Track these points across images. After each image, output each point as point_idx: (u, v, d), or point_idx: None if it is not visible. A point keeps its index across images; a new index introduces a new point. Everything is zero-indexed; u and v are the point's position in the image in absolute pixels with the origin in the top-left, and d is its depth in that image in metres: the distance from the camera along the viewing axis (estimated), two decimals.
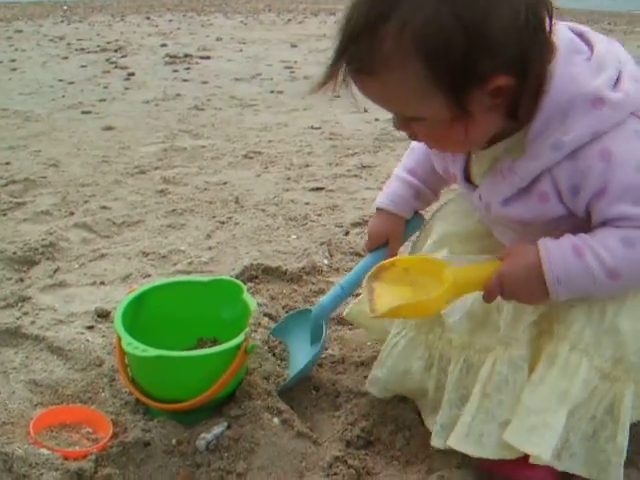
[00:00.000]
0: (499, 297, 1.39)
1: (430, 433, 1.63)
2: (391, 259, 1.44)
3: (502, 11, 1.15)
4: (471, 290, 1.39)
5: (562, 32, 1.30)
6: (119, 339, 1.69)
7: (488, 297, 1.37)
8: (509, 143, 1.37)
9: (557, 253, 1.31)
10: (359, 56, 1.23)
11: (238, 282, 1.93)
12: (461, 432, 1.47)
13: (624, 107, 1.26)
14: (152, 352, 1.61)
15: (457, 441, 1.47)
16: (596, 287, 1.31)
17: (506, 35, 1.16)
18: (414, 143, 1.79)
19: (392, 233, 1.83)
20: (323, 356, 2.00)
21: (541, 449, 1.36)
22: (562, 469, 1.43)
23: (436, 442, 1.56)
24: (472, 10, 1.14)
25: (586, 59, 1.30)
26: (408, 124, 1.33)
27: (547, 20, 1.22)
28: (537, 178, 1.32)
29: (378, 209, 1.84)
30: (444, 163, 1.57)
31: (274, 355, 1.93)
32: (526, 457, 1.40)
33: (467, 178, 1.53)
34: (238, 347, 1.68)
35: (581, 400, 1.39)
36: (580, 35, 1.36)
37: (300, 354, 1.92)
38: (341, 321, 2.20)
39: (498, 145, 1.38)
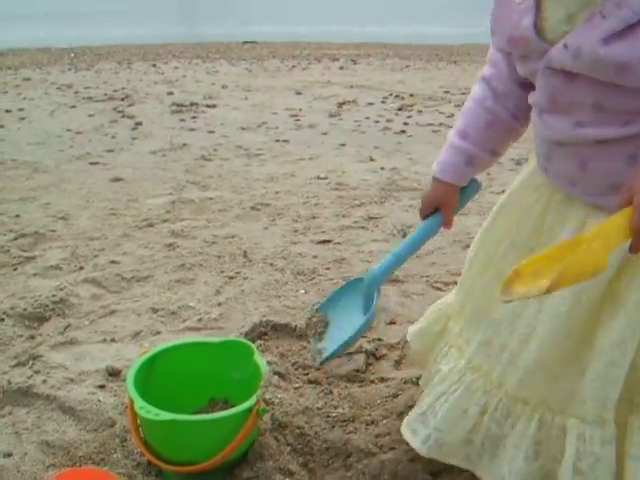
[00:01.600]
0: None
1: None
2: (513, 269, 1.27)
3: None
4: (619, 241, 1.22)
5: None
6: (132, 401, 1.71)
7: (638, 239, 1.21)
8: None
9: None
10: None
11: (249, 343, 1.96)
12: None
13: None
14: (165, 416, 1.63)
15: None
16: None
17: None
18: (465, 104, 1.72)
19: (443, 201, 1.77)
20: (334, 415, 2.02)
21: None
22: None
23: None
24: None
25: None
26: None
27: None
28: None
29: (433, 177, 1.78)
30: (510, 25, 1.41)
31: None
32: None
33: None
34: (250, 410, 1.70)
35: None
36: None
37: (348, 325, 1.83)
38: (351, 378, 2.21)
39: None
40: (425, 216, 1.81)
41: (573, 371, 1.50)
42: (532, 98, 1.48)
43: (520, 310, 1.55)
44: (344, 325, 1.85)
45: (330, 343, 1.82)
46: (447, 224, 1.79)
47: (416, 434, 1.71)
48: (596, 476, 1.45)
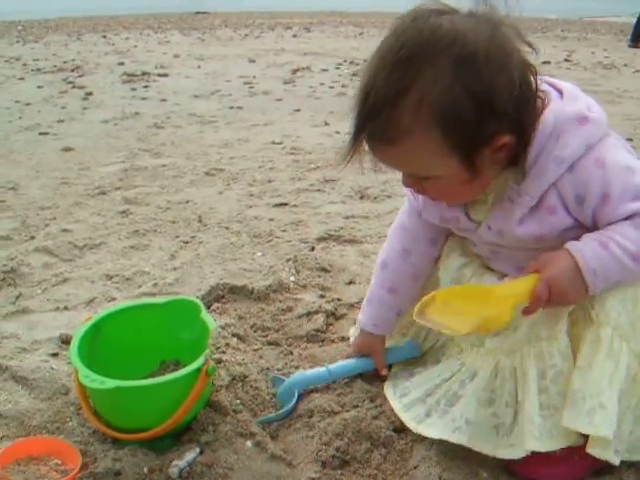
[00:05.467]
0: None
1: (406, 450, 1.63)
2: (431, 294, 1.48)
3: (502, 81, 1.33)
4: (521, 302, 1.44)
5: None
6: (76, 372, 1.65)
7: (534, 305, 1.43)
8: (506, 175, 1.49)
9: (588, 249, 1.42)
10: (381, 129, 1.38)
11: (196, 301, 1.90)
12: (536, 433, 1.52)
13: (602, 124, 1.46)
14: (110, 383, 1.58)
15: (535, 442, 1.52)
16: (625, 273, 1.43)
17: (507, 101, 1.34)
18: (385, 260, 1.92)
19: (375, 350, 1.95)
20: None
21: (605, 430, 1.44)
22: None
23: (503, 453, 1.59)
24: (479, 83, 1.32)
25: (560, 98, 1.49)
26: (419, 182, 1.48)
27: (533, 80, 1.41)
28: (544, 194, 1.46)
29: (362, 330, 1.96)
30: (440, 212, 1.65)
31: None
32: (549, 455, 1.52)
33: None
34: (199, 370, 1.65)
35: (625, 386, 1.49)
36: (551, 84, 1.53)
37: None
38: (311, 339, 2.18)
39: (498, 180, 1.50)
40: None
41: None
42: (475, 249, 1.72)
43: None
44: None
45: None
46: (381, 370, 1.93)
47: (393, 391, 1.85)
48: (558, 391, 1.52)
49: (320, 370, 1.93)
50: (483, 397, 1.60)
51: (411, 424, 1.69)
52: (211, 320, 1.81)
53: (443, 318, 1.44)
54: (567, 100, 1.47)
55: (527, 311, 1.44)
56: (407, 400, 1.75)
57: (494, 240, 1.59)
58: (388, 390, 1.85)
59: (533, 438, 1.52)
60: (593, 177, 1.42)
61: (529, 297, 1.42)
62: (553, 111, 1.43)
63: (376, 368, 1.94)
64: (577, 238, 1.45)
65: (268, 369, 1.99)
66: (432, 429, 1.64)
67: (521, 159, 1.45)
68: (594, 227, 1.47)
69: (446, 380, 1.70)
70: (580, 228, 1.48)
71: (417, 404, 1.72)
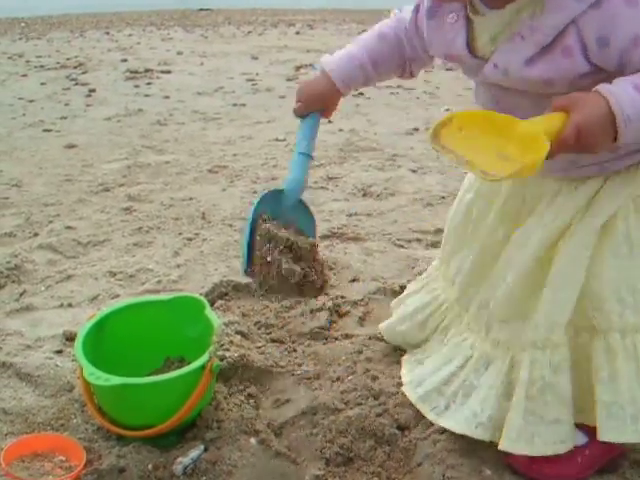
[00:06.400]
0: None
1: (410, 447, 1.64)
2: (448, 114, 1.37)
3: None
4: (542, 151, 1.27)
5: None
6: (81, 369, 1.65)
7: (558, 149, 1.28)
8: (521, 4, 1.36)
9: (622, 93, 1.27)
10: None
11: (200, 298, 1.90)
12: (513, 435, 1.53)
13: None
14: (115, 380, 1.58)
15: (510, 443, 1.53)
16: None
17: None
18: (385, 31, 1.81)
19: (328, 105, 1.93)
20: (298, 372, 1.99)
21: None
22: None
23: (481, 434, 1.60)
24: None
25: None
26: None
27: None
28: (561, 32, 1.31)
29: (324, 73, 1.87)
30: (445, 44, 1.55)
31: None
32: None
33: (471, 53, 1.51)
34: (203, 367, 1.66)
35: None
36: None
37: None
38: (314, 336, 2.18)
39: (507, 8, 1.38)
40: (304, 114, 1.96)
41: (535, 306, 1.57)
42: (479, 99, 1.62)
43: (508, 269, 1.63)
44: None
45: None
46: (329, 115, 1.97)
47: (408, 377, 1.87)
48: (545, 401, 1.52)
49: (299, 161, 1.98)
50: (502, 391, 1.60)
51: (430, 415, 1.69)
52: (215, 317, 1.81)
53: (459, 146, 1.32)
54: None
55: (550, 155, 1.28)
56: (422, 390, 1.75)
57: (499, 80, 1.45)
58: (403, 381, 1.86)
59: (508, 439, 1.53)
60: (623, 16, 1.27)
61: (554, 138, 1.27)
62: None
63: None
64: (592, 87, 1.31)
65: (272, 366, 2.00)
66: (453, 423, 1.63)
67: None
68: (618, 74, 1.32)
69: (460, 367, 1.70)
70: (597, 75, 1.34)
71: (433, 394, 1.72)
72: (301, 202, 1.94)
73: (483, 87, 1.57)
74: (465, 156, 1.30)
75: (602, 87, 1.28)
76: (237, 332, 2.13)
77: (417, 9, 1.69)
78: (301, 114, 1.96)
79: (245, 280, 2.46)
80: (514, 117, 1.31)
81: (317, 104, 1.92)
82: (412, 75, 1.87)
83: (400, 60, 1.82)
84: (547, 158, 1.26)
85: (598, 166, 1.49)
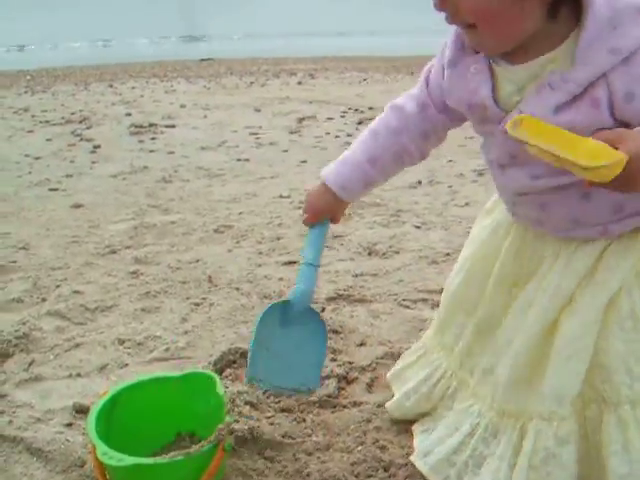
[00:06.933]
0: None
1: None
2: (518, 116, 1.36)
3: None
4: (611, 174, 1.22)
5: None
6: (94, 448, 1.66)
7: (619, 183, 1.23)
8: (549, 58, 1.40)
9: None
10: None
11: (210, 374, 1.92)
12: None
13: None
14: (128, 461, 1.59)
15: None
16: None
17: None
18: (377, 129, 1.82)
19: (335, 214, 1.93)
20: (308, 443, 2.00)
21: None
22: None
23: None
24: None
25: None
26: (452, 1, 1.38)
27: None
28: (592, 85, 1.34)
29: (323, 184, 1.87)
30: (467, 93, 1.55)
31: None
32: None
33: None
34: (215, 447, 1.67)
35: None
36: None
37: (295, 353, 1.94)
38: (323, 404, 2.19)
39: (535, 61, 1.41)
40: (313, 224, 1.94)
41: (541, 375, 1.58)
42: (491, 155, 1.61)
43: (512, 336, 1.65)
44: (289, 352, 1.95)
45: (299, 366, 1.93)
46: (336, 221, 1.95)
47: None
48: (548, 472, 1.53)
49: (306, 272, 1.92)
50: (513, 461, 1.59)
51: None
52: (225, 395, 1.83)
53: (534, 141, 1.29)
54: None
55: (599, 185, 1.25)
56: (432, 461, 1.76)
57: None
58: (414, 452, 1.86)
59: None
60: None
61: (612, 169, 1.21)
62: (610, 1, 1.34)
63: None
64: None
65: (282, 437, 2.01)
66: None
67: (562, 15, 1.37)
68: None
69: (469, 435, 1.70)
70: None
71: (444, 464, 1.72)
72: (310, 309, 1.95)
73: (500, 140, 1.53)
74: (552, 147, 1.27)
75: None
76: (246, 402, 2.14)
77: (427, 79, 1.72)
78: (310, 225, 1.94)
79: None
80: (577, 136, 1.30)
81: (323, 214, 1.91)
82: (423, 156, 1.84)
83: (399, 147, 1.79)
84: (599, 186, 1.25)
85: (602, 227, 1.51)
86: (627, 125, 1.34)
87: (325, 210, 1.90)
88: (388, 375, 2.19)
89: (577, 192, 1.47)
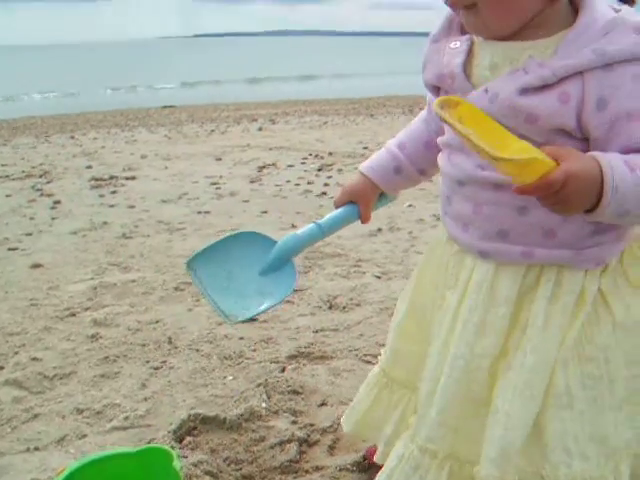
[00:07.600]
0: None
1: None
2: (457, 98, 1.37)
3: None
4: (533, 175, 1.23)
5: None
6: None
7: (540, 190, 1.25)
8: (533, 48, 1.39)
9: (615, 163, 1.27)
10: None
11: (167, 449, 1.90)
12: None
13: None
14: None
15: None
16: (637, 206, 1.30)
17: None
18: (413, 122, 1.87)
19: (362, 196, 1.88)
20: None
21: None
22: None
23: None
24: None
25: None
26: None
27: None
28: (567, 78, 1.33)
29: (359, 171, 1.90)
30: (439, 65, 1.53)
31: None
32: None
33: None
34: None
35: None
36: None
37: (251, 284, 1.80)
38: (285, 470, 2.18)
39: (515, 44, 1.42)
40: (339, 205, 1.89)
41: (476, 425, 1.54)
42: (443, 138, 1.61)
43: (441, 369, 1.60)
44: (245, 280, 1.81)
45: (246, 299, 1.78)
46: (365, 219, 1.89)
47: None
48: None
49: (310, 227, 1.82)
50: None
51: None
52: (181, 472, 1.82)
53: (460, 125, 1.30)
54: (627, 12, 1.37)
55: (525, 190, 1.26)
56: None
57: (483, 106, 1.39)
58: None
59: None
60: (627, 88, 1.30)
61: (539, 176, 1.23)
62: (611, 13, 1.35)
63: (360, 217, 1.88)
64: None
65: None
66: None
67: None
68: (597, 143, 1.35)
69: (394, 468, 1.66)
70: (571, 140, 1.37)
71: None
72: (290, 261, 1.84)
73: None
74: (469, 132, 1.27)
75: (596, 153, 1.30)
76: (206, 472, 2.13)
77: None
78: (336, 205, 1.91)
79: (213, 412, 2.46)
80: (511, 133, 1.32)
81: (350, 194, 1.88)
82: None
83: (427, 135, 1.80)
84: (527, 193, 1.26)
85: (528, 248, 1.47)
86: (586, 137, 1.36)
87: (353, 190, 1.88)
88: (346, 428, 2.11)
89: (515, 201, 1.43)
